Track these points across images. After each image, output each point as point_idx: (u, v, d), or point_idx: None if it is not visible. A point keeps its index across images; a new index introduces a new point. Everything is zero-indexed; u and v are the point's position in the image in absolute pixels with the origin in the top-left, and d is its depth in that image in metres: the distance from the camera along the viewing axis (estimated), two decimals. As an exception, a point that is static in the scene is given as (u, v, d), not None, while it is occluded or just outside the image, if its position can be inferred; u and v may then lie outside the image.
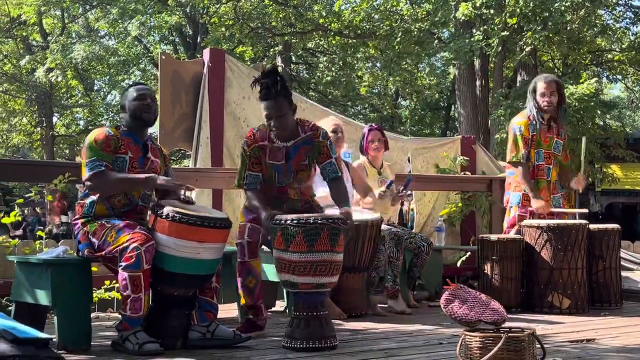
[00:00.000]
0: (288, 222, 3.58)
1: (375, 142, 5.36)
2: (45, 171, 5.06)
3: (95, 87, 23.08)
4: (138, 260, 3.35)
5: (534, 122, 5.33)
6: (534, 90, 5.37)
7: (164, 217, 3.43)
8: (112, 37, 19.60)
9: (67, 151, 23.71)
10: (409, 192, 5.47)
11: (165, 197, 3.74)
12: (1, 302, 4.63)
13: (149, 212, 3.66)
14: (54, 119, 22.13)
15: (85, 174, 3.59)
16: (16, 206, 11.40)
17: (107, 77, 20.57)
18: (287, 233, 3.57)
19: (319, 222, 3.58)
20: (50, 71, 17.26)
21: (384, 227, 4.92)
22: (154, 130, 6.67)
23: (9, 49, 21.63)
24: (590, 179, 14.30)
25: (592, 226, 5.27)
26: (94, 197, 3.64)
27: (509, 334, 3.09)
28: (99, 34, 20.80)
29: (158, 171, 3.80)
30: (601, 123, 13.26)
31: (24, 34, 20.60)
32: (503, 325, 3.71)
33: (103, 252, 3.53)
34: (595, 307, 5.18)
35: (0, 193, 16.72)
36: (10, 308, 3.95)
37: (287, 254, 3.59)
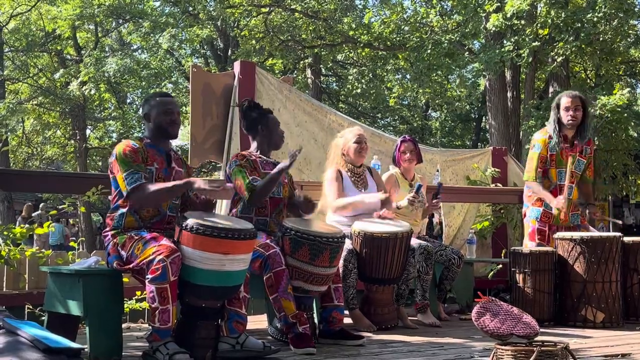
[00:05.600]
0: (318, 238, 3.91)
1: (407, 153, 5.35)
2: (79, 183, 5.12)
3: (128, 100, 23.40)
4: (164, 273, 3.36)
5: (553, 140, 5.29)
6: (558, 106, 5.34)
7: (187, 229, 3.42)
8: (145, 51, 19.86)
9: (99, 163, 24.02)
10: (439, 205, 5.46)
11: (188, 209, 3.77)
12: (34, 312, 4.69)
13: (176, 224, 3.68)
14: (87, 132, 22.45)
15: (126, 188, 3.59)
16: (49, 218, 11.57)
17: (140, 90, 20.83)
18: (315, 248, 3.90)
19: (341, 239, 4.03)
20: (84, 84, 17.50)
21: (414, 241, 4.90)
22: (184, 142, 6.72)
23: (43, 63, 22.02)
24: (624, 192, 14.08)
25: (627, 239, 5.20)
26: (123, 210, 3.66)
27: (542, 348, 3.05)
28: (132, 48, 21.08)
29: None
30: (635, 134, 13.06)
31: (59, 48, 20.94)
32: (536, 339, 3.66)
33: (131, 265, 3.55)
34: (630, 321, 5.10)
35: (30, 204, 16.91)
36: (43, 318, 4.00)
37: (310, 267, 3.92)
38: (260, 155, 4.35)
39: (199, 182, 3.60)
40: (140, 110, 3.96)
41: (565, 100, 5.31)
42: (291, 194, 4.43)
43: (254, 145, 4.42)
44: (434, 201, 5.31)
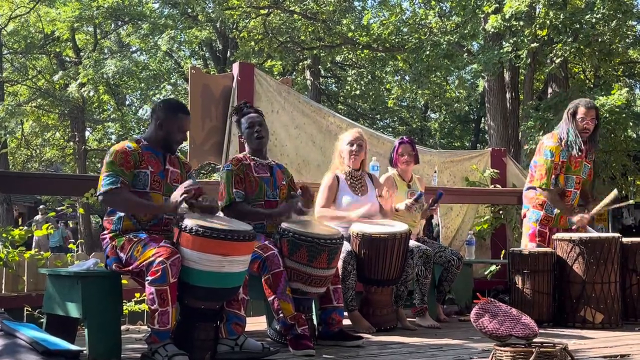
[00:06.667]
0: (316, 240, 3.90)
1: (405, 155, 5.35)
2: (78, 185, 5.12)
3: (127, 102, 23.41)
4: (164, 274, 3.36)
5: (568, 147, 5.30)
6: (574, 114, 5.33)
7: (187, 231, 3.41)
8: (143, 52, 19.86)
9: (99, 165, 24.00)
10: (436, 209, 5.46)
11: (195, 204, 3.75)
12: (33, 314, 4.68)
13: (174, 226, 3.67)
14: (86, 134, 22.46)
15: (100, 188, 3.61)
16: (48, 220, 11.55)
17: (139, 91, 20.85)
18: (313, 250, 3.89)
19: (339, 241, 4.02)
20: (83, 86, 17.50)
21: (413, 243, 4.90)
22: (184, 144, 6.72)
23: (42, 65, 22.02)
24: (623, 192, 14.09)
25: (626, 239, 5.20)
26: (121, 213, 3.67)
27: (541, 349, 3.05)
28: (131, 49, 21.08)
29: (179, 180, 3.81)
30: (634, 135, 13.06)
31: (58, 50, 20.95)
32: (534, 340, 3.66)
33: (130, 267, 3.55)
34: (629, 322, 5.10)
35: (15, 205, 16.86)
36: (41, 320, 3.99)
37: (309, 269, 3.92)
38: (254, 158, 4.35)
39: (174, 198, 3.57)
40: (151, 111, 3.93)
41: (582, 110, 5.30)
42: (289, 195, 4.43)
43: (246, 148, 4.46)
44: (431, 208, 5.30)
